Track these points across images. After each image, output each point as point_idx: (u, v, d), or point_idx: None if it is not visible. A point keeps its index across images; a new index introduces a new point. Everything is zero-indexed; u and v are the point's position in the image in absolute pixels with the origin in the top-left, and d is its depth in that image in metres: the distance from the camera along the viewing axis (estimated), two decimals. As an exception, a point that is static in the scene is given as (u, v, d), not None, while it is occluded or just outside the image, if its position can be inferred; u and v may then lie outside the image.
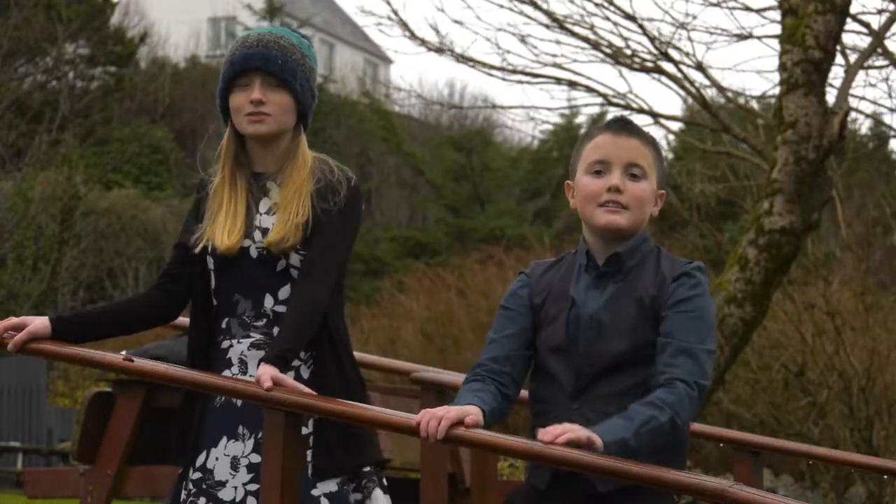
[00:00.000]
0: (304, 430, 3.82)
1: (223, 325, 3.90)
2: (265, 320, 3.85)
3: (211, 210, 3.90)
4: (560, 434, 3.26)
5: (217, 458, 3.84)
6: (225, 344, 3.89)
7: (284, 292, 3.84)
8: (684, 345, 3.41)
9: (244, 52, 3.89)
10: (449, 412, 3.34)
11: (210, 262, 3.89)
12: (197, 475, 3.85)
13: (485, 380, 3.49)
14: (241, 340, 3.87)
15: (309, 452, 3.82)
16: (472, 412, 3.35)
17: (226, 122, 3.95)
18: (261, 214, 3.89)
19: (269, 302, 3.85)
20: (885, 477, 11.06)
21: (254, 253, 3.85)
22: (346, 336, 3.94)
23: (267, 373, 3.64)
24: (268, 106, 3.86)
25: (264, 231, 3.86)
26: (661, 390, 3.36)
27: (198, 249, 3.88)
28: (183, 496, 3.86)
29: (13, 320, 3.87)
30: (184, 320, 5.92)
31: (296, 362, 3.83)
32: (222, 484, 3.82)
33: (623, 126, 3.58)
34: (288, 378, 3.66)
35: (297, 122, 3.94)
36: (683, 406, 3.35)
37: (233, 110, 3.90)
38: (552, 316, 3.53)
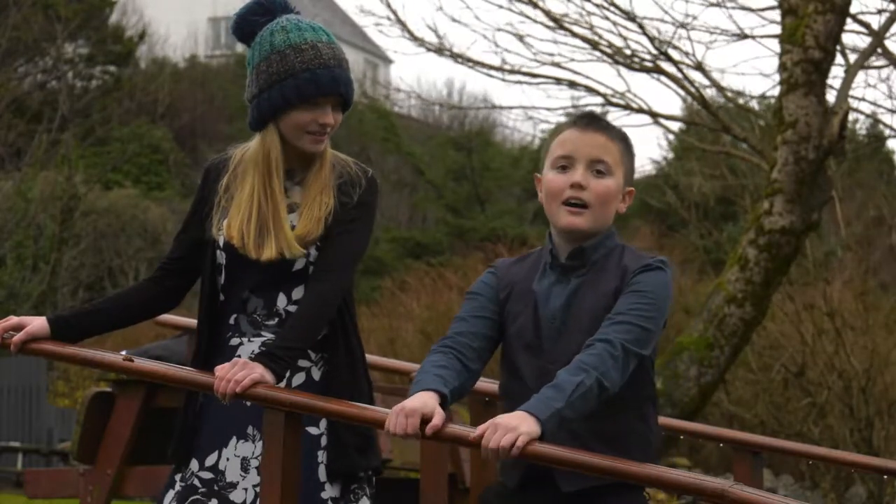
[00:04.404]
0: (317, 431, 3.79)
1: (231, 322, 3.83)
2: (277, 320, 3.79)
3: (222, 206, 3.82)
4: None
5: (228, 459, 3.78)
6: (234, 341, 3.83)
7: (298, 292, 3.78)
8: (617, 316, 3.36)
9: (329, 74, 3.77)
10: (412, 415, 3.27)
11: (221, 256, 3.82)
12: (208, 475, 3.79)
13: (448, 353, 3.44)
14: (252, 339, 3.81)
15: (321, 453, 3.78)
16: (431, 407, 3.28)
17: (260, 124, 3.82)
18: None
19: (282, 301, 3.80)
20: (885, 477, 11.05)
21: None
22: (359, 338, 3.90)
23: (239, 373, 3.57)
24: (330, 127, 3.82)
25: None
26: (583, 353, 3.31)
27: (219, 241, 3.80)
28: (195, 497, 3.78)
29: (12, 320, 3.85)
30: (184, 320, 5.93)
31: (306, 363, 3.79)
32: (233, 486, 3.77)
33: (590, 121, 3.51)
34: (255, 379, 3.58)
35: None
36: (607, 366, 3.28)
37: (293, 124, 3.78)
38: (516, 312, 3.50)
